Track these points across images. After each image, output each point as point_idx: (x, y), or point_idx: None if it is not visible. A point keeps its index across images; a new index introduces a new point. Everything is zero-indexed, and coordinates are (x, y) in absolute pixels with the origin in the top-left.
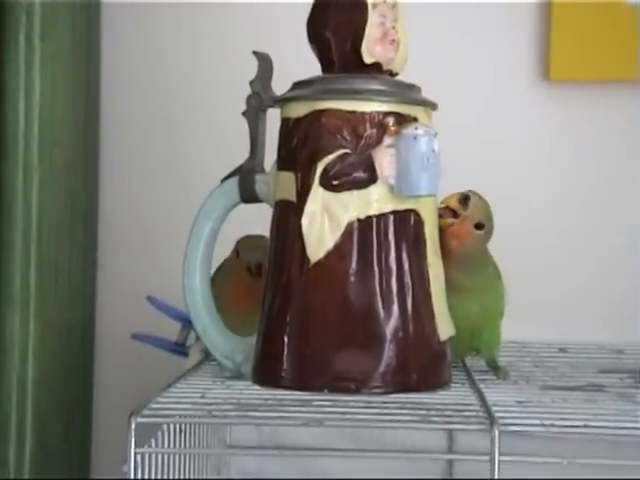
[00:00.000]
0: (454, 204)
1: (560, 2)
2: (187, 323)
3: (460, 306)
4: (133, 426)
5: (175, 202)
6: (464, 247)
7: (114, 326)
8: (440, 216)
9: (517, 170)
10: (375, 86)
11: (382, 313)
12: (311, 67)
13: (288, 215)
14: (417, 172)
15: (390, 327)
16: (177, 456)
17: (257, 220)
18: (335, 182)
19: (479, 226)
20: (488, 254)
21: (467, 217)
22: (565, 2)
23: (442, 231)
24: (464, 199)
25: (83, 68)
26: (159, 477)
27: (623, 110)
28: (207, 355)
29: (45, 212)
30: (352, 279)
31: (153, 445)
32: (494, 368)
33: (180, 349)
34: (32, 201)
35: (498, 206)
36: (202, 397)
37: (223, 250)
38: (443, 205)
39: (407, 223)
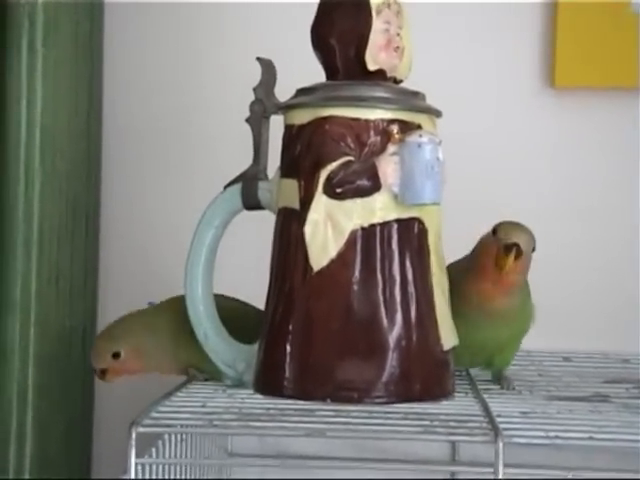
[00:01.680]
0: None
1: (566, 9)
2: None
3: (490, 329)
4: (134, 436)
5: (177, 207)
6: (524, 276)
7: None
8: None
9: (522, 177)
10: (379, 93)
11: (385, 322)
12: (315, 74)
13: (291, 223)
14: (421, 180)
15: (393, 336)
16: (178, 465)
17: (260, 228)
18: (338, 190)
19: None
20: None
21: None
22: (571, 9)
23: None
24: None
25: (85, 73)
26: None
27: (629, 117)
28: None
29: (46, 217)
30: (355, 288)
31: (154, 454)
32: (499, 378)
33: None
34: (33, 207)
35: (502, 214)
36: (203, 406)
37: (225, 257)
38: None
39: (411, 232)
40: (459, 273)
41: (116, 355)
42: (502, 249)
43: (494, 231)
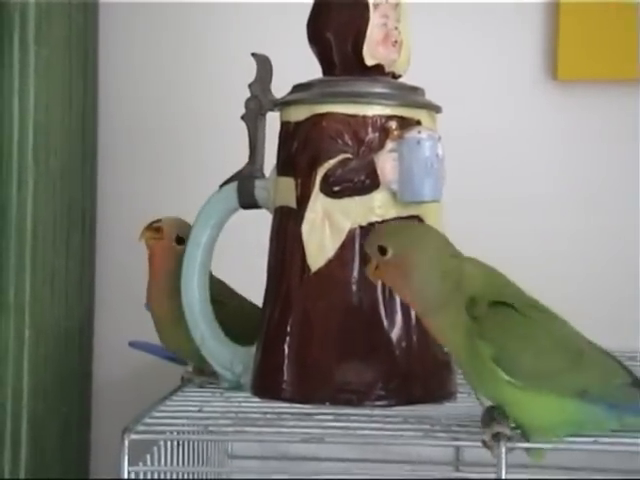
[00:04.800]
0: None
1: (568, 2)
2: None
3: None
4: (126, 444)
5: (174, 207)
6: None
7: (112, 333)
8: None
9: (524, 171)
10: (377, 89)
11: (385, 322)
12: (311, 69)
13: (288, 222)
14: (420, 177)
15: (393, 337)
16: (174, 472)
17: (256, 227)
18: (336, 188)
19: None
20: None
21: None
22: (573, 2)
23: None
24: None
25: (80, 71)
26: None
27: (631, 110)
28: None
29: (40, 218)
30: (354, 288)
31: (148, 461)
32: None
33: (178, 357)
34: (27, 207)
35: (504, 207)
36: (199, 411)
37: (221, 257)
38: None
39: None
40: None
41: None
42: None
43: None
